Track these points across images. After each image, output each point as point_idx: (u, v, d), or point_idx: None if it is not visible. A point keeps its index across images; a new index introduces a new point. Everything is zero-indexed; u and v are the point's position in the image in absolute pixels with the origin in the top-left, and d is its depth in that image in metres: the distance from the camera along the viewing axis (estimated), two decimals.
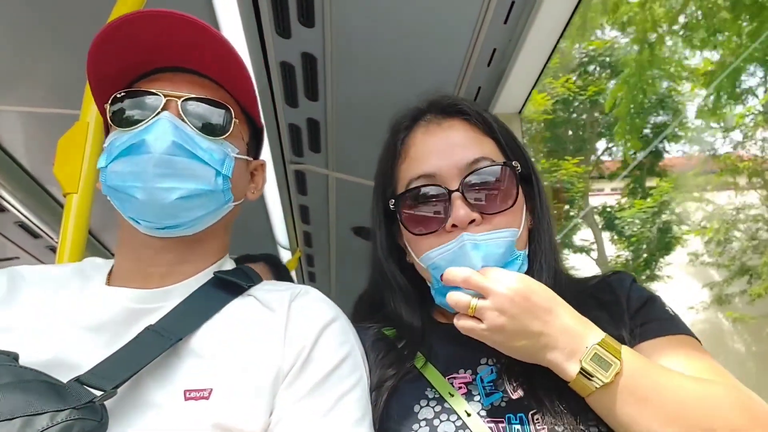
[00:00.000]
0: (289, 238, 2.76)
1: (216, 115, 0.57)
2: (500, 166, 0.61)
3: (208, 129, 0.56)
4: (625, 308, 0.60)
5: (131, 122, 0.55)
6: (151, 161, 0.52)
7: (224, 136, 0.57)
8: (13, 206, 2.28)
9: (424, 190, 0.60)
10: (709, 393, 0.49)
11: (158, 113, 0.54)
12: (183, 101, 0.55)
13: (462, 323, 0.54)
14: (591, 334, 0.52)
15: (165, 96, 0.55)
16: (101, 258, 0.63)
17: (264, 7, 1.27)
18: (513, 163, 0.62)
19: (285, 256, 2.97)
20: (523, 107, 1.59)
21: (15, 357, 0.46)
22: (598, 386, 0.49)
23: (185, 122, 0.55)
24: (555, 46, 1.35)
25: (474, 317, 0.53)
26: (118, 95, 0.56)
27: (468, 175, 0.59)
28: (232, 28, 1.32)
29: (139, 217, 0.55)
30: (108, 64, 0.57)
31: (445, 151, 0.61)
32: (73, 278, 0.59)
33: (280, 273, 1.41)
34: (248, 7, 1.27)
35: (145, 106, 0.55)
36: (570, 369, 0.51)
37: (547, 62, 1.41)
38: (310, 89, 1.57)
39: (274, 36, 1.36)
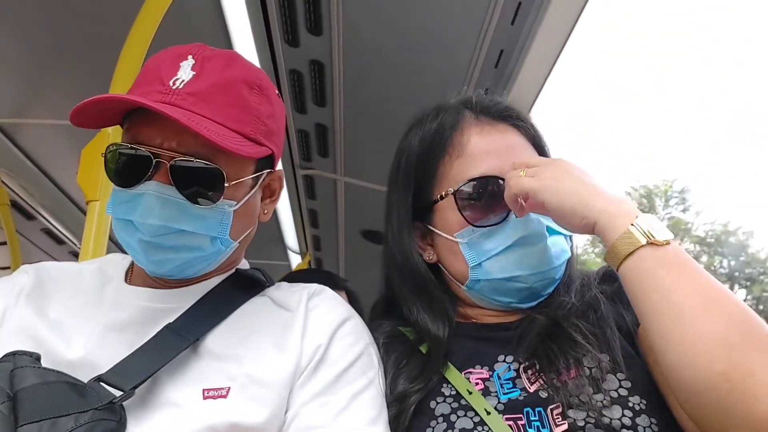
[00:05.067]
0: (298, 242, 2.78)
1: (208, 179, 0.52)
2: None
3: (200, 195, 0.52)
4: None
5: (122, 181, 0.53)
6: (142, 241, 0.52)
7: (218, 200, 0.53)
8: (40, 214, 2.37)
9: (489, 186, 0.61)
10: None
11: (148, 177, 0.51)
12: (172, 164, 0.50)
13: (514, 181, 0.56)
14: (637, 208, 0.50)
15: (154, 157, 0.51)
16: (121, 254, 0.64)
17: (273, 17, 1.30)
18: None
19: (295, 260, 3.00)
20: (531, 108, 1.58)
21: (37, 357, 0.47)
22: (643, 243, 0.47)
23: (174, 187, 0.51)
24: (563, 47, 1.35)
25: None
26: (111, 148, 0.54)
27: None
28: (243, 37, 1.35)
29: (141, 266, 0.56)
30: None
31: (504, 152, 0.62)
32: (96, 276, 0.60)
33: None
34: (258, 17, 1.30)
35: (135, 165, 0.52)
36: (620, 221, 0.49)
37: (554, 63, 1.40)
38: (318, 95, 1.60)
39: (283, 45, 1.39)
